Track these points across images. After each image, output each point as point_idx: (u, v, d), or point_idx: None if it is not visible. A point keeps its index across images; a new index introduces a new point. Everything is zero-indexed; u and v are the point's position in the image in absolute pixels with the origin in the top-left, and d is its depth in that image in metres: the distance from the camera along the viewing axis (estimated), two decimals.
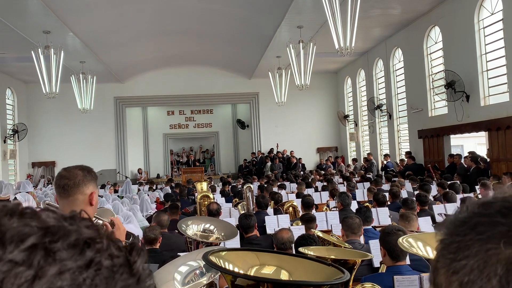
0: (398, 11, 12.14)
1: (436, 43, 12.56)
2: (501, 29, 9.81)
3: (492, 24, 10.20)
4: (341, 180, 12.11)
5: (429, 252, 1.46)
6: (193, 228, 3.32)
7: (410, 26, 13.29)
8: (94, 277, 0.44)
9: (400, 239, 1.59)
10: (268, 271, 1.39)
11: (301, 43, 12.54)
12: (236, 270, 1.27)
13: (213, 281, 1.94)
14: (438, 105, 12.66)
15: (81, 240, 0.46)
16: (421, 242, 1.50)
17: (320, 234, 3.16)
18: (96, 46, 13.90)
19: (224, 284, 3.25)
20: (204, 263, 2.26)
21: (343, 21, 9.12)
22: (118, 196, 10.85)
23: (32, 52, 11.89)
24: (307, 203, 6.09)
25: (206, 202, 6.41)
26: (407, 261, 3.30)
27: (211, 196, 6.80)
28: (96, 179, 2.05)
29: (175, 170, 21.33)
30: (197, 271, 2.21)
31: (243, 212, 5.92)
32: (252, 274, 1.31)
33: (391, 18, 12.69)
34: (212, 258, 1.31)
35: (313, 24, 12.23)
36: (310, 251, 2.24)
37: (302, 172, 16.44)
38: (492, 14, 10.13)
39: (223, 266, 1.26)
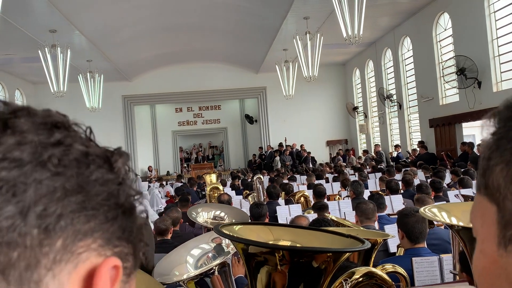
0: None
1: (445, 29, 12.35)
2: None
3: (503, 7, 9.97)
4: (352, 172, 11.98)
5: (453, 221, 1.37)
6: (203, 216, 3.26)
7: (419, 13, 13.07)
8: (62, 157, 0.38)
9: (422, 209, 1.50)
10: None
11: (308, 35, 12.41)
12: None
13: (226, 261, 1.87)
14: (449, 93, 12.46)
15: (50, 122, 0.39)
16: (446, 212, 1.40)
17: (334, 218, 3.07)
18: (103, 44, 13.89)
19: (237, 273, 3.18)
20: (215, 245, 2.19)
21: (351, 9, 8.99)
22: None
23: (39, 51, 11.91)
24: (319, 192, 5.99)
25: (216, 194, 6.35)
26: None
27: (220, 187, 6.73)
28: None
29: (185, 167, 21.34)
30: (210, 254, 2.14)
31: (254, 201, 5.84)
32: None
33: (399, 6, 12.50)
34: (224, 230, 1.24)
35: (319, 15, 12.08)
36: None
37: (312, 166, 16.32)
38: None
39: (234, 235, 1.18)
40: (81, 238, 0.39)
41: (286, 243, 1.30)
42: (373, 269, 1.38)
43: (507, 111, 0.42)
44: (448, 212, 1.46)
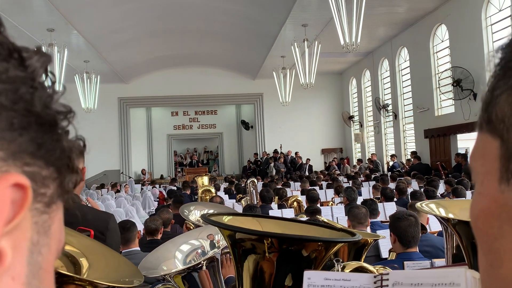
0: (403, 9, 12.03)
1: (442, 41, 12.43)
2: (509, 26, 9.67)
3: (500, 20, 10.06)
4: (346, 180, 11.97)
5: (450, 216, 1.35)
6: (195, 214, 3.21)
7: (416, 24, 13.16)
8: None
9: (419, 204, 1.48)
10: None
11: (305, 42, 12.46)
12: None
13: (215, 256, 1.83)
14: (445, 104, 12.51)
15: None
16: (443, 208, 1.38)
17: (326, 220, 3.04)
18: (100, 45, 13.87)
19: (228, 273, 3.13)
20: (207, 241, 2.15)
21: (349, 17, 9.03)
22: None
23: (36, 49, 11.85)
24: (312, 197, 5.97)
25: (207, 197, 6.30)
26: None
27: (212, 190, 6.68)
28: (83, 155, 2.05)
29: (179, 171, 21.25)
30: (199, 251, 2.10)
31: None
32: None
33: (397, 17, 12.58)
34: (212, 218, 1.21)
35: (317, 23, 12.14)
36: None
37: (307, 173, 16.28)
38: (500, 10, 10.00)
39: (221, 222, 1.15)
40: None
41: None
42: (364, 264, 1.35)
43: None
44: (446, 208, 1.43)
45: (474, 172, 0.41)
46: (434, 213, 1.37)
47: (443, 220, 1.36)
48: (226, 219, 1.30)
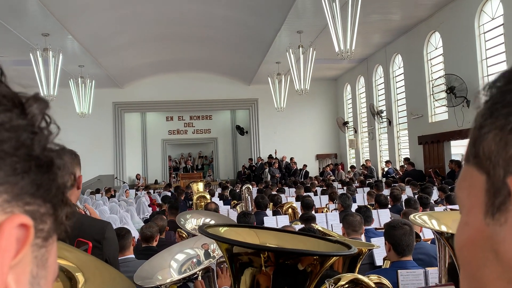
0: (398, 16, 12.13)
1: (436, 48, 12.53)
2: (502, 34, 9.78)
3: (492, 29, 10.17)
4: (340, 186, 11.99)
5: (443, 229, 1.37)
6: (192, 222, 3.22)
7: (410, 32, 13.27)
8: None
9: (412, 216, 1.50)
10: None
11: (300, 48, 12.51)
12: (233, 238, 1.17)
13: (210, 266, 1.84)
14: (438, 111, 12.60)
15: None
16: (436, 220, 1.40)
17: (321, 228, 3.05)
18: (95, 50, 13.85)
19: (223, 284, 3.13)
20: (202, 251, 2.16)
21: (344, 24, 9.09)
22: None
23: (31, 54, 11.83)
24: (307, 204, 5.98)
25: (202, 203, 6.29)
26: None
27: (207, 196, 6.68)
28: (80, 163, 2.09)
29: (173, 176, 21.20)
30: (194, 260, 2.10)
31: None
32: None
33: (391, 24, 12.68)
34: (209, 230, 1.22)
35: (313, 29, 12.20)
36: None
37: (302, 179, 16.30)
38: (493, 19, 10.11)
39: (218, 235, 1.16)
40: None
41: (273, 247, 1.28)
42: (359, 276, 1.36)
43: (503, 79, 0.41)
44: (438, 220, 1.45)
45: (460, 202, 0.44)
46: (427, 226, 1.39)
47: (436, 233, 1.38)
48: (223, 230, 1.31)
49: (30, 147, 0.37)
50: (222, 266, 2.35)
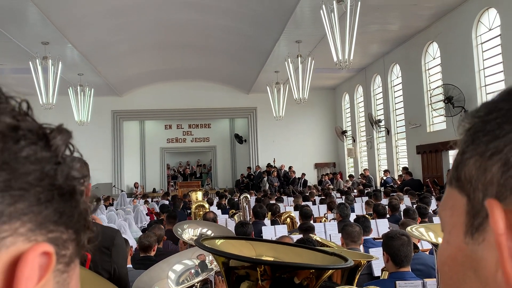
0: (396, 26, 12.21)
1: (434, 58, 12.61)
2: (499, 45, 9.85)
3: (490, 39, 10.24)
4: (338, 195, 11.99)
5: (440, 241, 1.37)
6: (189, 232, 3.21)
7: (408, 42, 13.35)
8: None
9: (409, 228, 1.51)
10: None
11: (299, 58, 12.58)
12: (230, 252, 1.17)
13: (208, 278, 1.84)
14: (436, 121, 12.64)
15: None
16: (433, 232, 1.41)
17: (319, 239, 3.05)
18: (95, 58, 13.90)
19: None
20: (199, 261, 2.15)
21: (342, 35, 9.15)
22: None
23: (30, 62, 11.86)
24: (305, 214, 5.97)
25: (201, 212, 6.28)
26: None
27: (206, 205, 6.66)
28: (89, 170, 2.09)
29: (172, 184, 21.17)
30: (192, 271, 2.10)
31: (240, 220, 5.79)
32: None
33: (389, 34, 12.76)
34: (205, 243, 1.22)
35: (311, 39, 12.28)
36: None
37: (301, 188, 16.29)
38: (490, 29, 10.18)
39: (215, 248, 1.16)
40: (5, 220, 0.35)
41: (269, 259, 1.29)
42: None
43: (485, 108, 0.43)
44: (435, 232, 1.46)
45: (442, 221, 0.47)
46: (424, 238, 1.39)
47: (433, 245, 1.38)
48: (219, 243, 1.31)
49: (54, 177, 0.38)
50: (219, 276, 2.34)
